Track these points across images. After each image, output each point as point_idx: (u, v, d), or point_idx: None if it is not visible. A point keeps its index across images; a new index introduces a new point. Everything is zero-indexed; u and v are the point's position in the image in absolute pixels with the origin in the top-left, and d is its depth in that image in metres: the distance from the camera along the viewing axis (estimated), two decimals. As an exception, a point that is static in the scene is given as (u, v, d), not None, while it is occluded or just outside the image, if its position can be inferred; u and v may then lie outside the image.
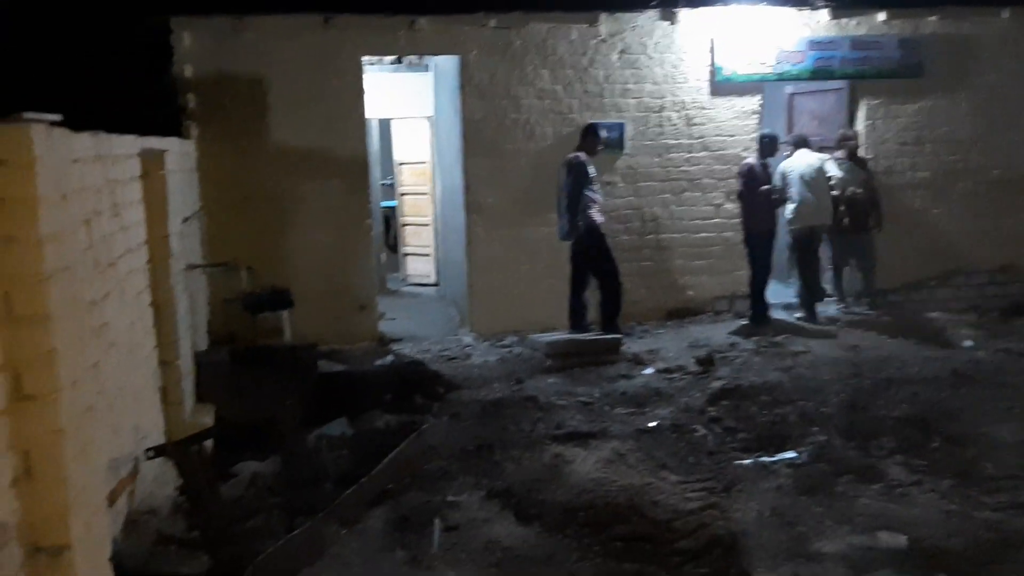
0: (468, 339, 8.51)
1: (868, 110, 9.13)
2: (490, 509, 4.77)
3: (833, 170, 8.60)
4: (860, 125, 9.14)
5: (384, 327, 8.83)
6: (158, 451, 4.29)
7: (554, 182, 8.24)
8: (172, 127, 7.48)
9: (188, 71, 7.99)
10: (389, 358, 7.92)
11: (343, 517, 4.59)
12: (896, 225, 8.95)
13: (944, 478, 5.00)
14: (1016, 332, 8.22)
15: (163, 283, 5.37)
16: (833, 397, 6.37)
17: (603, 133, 8.30)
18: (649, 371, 7.28)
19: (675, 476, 5.17)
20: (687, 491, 4.95)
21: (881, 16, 8.93)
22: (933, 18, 9.02)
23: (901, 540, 4.25)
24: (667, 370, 7.27)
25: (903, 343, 7.94)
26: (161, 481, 4.75)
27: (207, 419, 5.64)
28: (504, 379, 7.23)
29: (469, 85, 8.49)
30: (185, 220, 6.42)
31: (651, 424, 6.05)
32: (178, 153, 6.47)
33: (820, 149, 9.43)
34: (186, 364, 5.76)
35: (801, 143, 8.63)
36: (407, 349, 8.26)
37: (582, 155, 8.01)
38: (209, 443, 4.92)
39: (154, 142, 5.41)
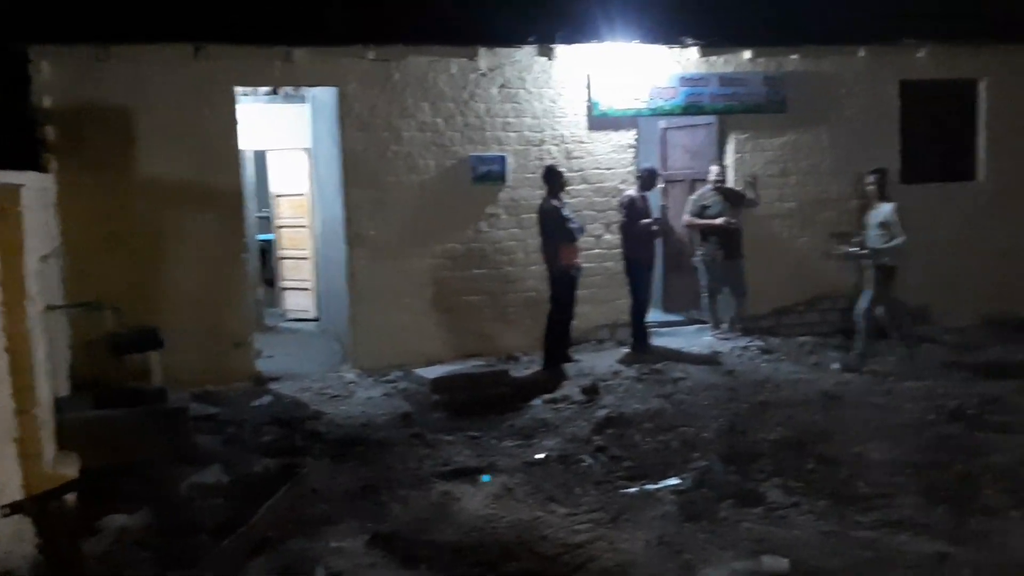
0: (351, 375, 8.31)
1: (737, 144, 9.50)
2: (375, 554, 4.62)
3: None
4: (730, 158, 9.49)
5: (262, 365, 8.54)
6: (15, 507, 3.97)
7: (437, 213, 8.30)
8: (30, 160, 7.05)
9: (47, 102, 7.57)
10: (267, 398, 7.65)
11: (220, 569, 4.36)
12: (766, 253, 9.31)
13: (820, 499, 5.17)
14: (880, 354, 8.63)
15: (19, 326, 4.99)
16: (713, 422, 6.53)
17: (563, 170, 8.41)
18: (536, 402, 7.27)
19: (563, 508, 5.18)
20: (575, 523, 4.97)
21: (747, 54, 9.33)
22: (795, 56, 9.49)
23: (783, 563, 4.34)
24: (553, 400, 7.29)
25: (776, 367, 8.22)
26: (19, 538, 4.39)
27: (69, 470, 5.25)
28: (389, 416, 7.10)
29: (349, 117, 8.38)
30: (43, 258, 6.03)
31: (539, 456, 6.06)
32: (36, 188, 6.08)
33: (693, 181, 9.81)
34: (45, 411, 5.36)
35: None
36: (286, 388, 8.00)
37: (549, 201, 8.12)
38: (72, 496, 4.59)
39: (9, 176, 5.07)
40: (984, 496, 5.08)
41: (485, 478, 5.69)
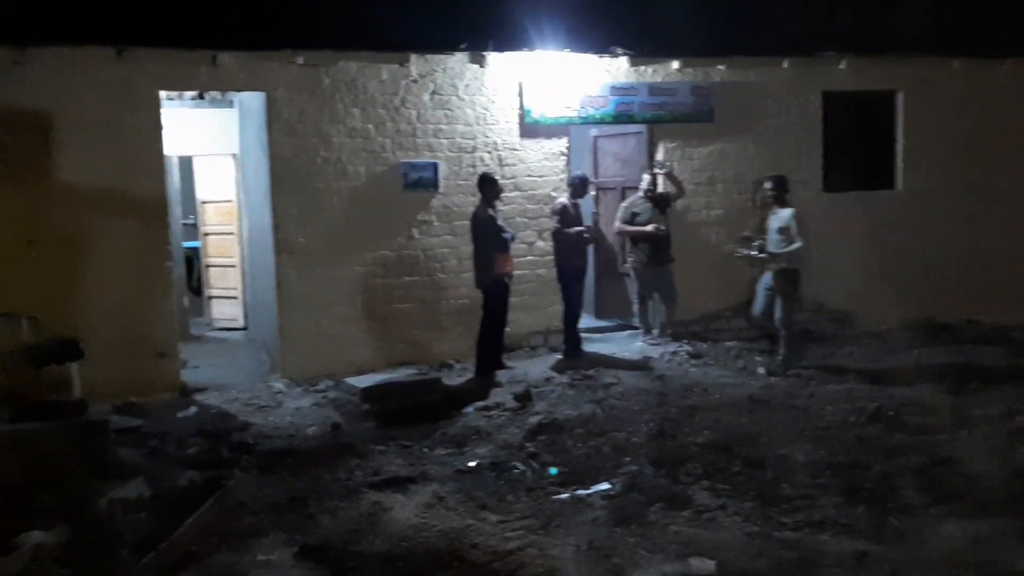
0: (280, 385, 8.18)
1: (666, 152, 9.64)
2: (304, 566, 4.55)
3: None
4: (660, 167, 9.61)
5: (187, 376, 8.36)
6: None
7: (368, 220, 8.28)
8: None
9: (-42, 106, 7.31)
10: (192, 409, 7.48)
11: (142, 586, 4.24)
12: (695, 260, 9.47)
13: (746, 500, 5.26)
14: (804, 358, 8.85)
15: (-74, 338, 4.81)
16: (643, 426, 6.60)
17: (498, 179, 8.42)
18: (469, 410, 7.26)
19: (495, 516, 5.17)
20: (507, 530, 4.96)
21: (675, 64, 9.49)
22: (722, 67, 9.68)
23: (710, 565, 4.41)
24: (486, 408, 7.28)
25: (705, 371, 8.36)
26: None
27: (-18, 487, 5.08)
28: (319, 426, 7.01)
29: (277, 122, 8.27)
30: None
31: (471, 464, 6.05)
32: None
33: (624, 189, 9.92)
34: (-45, 427, 5.17)
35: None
36: (213, 399, 7.84)
37: (481, 209, 8.13)
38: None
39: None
40: (902, 495, 5.24)
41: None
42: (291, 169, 8.32)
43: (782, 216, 8.28)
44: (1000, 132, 10.60)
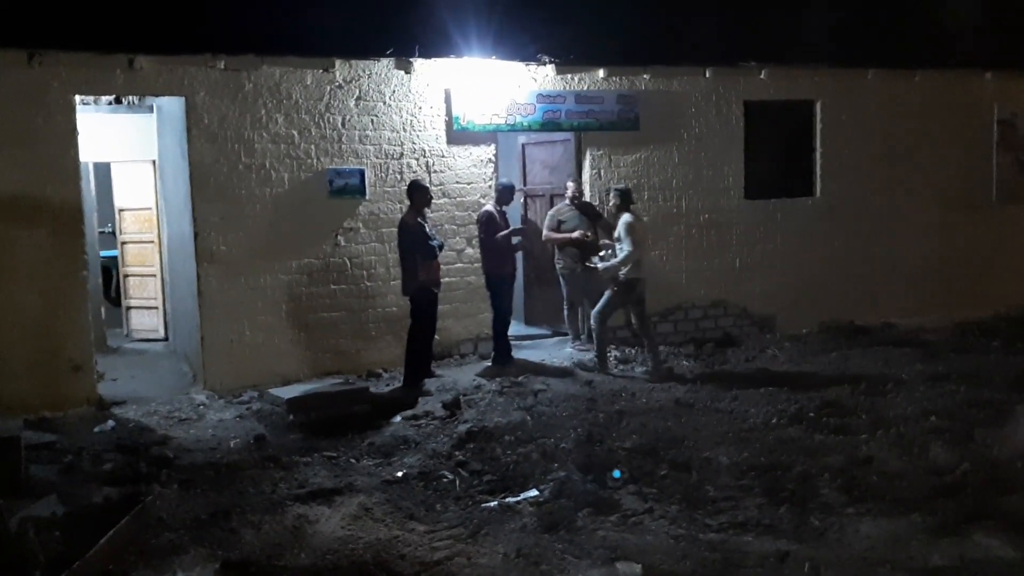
0: (201, 397, 7.98)
1: (592, 160, 9.73)
2: (225, 582, 4.43)
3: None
4: (587, 174, 9.70)
5: (104, 389, 8.09)
6: None
7: (292, 227, 8.21)
8: None
9: None
10: (110, 423, 7.23)
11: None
12: (622, 266, 9.55)
13: (672, 504, 5.31)
14: (728, 362, 9.02)
15: None
16: (572, 432, 6.61)
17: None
18: (397, 419, 7.19)
19: (423, 526, 5.13)
20: (435, 540, 4.93)
21: (601, 73, 9.58)
22: (647, 76, 9.81)
23: (636, 569, 4.43)
24: (415, 417, 7.22)
25: (632, 376, 8.44)
26: None
27: None
28: (242, 438, 6.84)
29: (197, 128, 8.07)
30: None
31: (399, 474, 5.99)
32: None
33: (552, 196, 9.98)
34: None
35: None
36: (131, 412, 7.60)
37: (410, 217, 8.06)
38: None
39: None
40: (822, 495, 5.35)
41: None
42: (212, 176, 8.13)
43: (619, 225, 8.45)
44: (913, 141, 10.99)
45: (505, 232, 8.61)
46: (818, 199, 10.77)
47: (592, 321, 8.65)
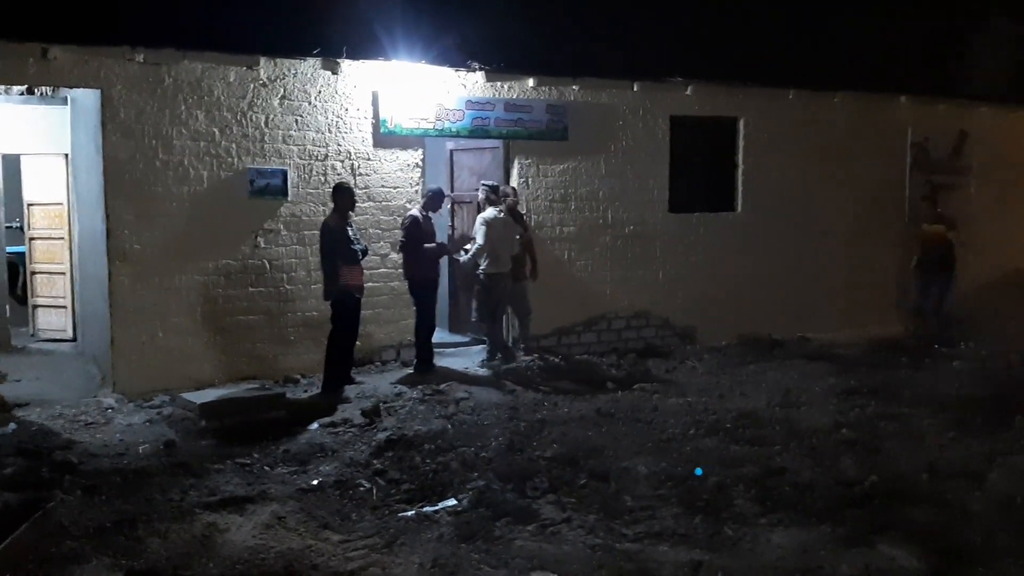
0: (110, 400, 7.70)
1: (521, 168, 9.74)
2: (127, 593, 4.26)
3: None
4: (515, 182, 9.69)
5: (6, 390, 7.78)
6: None
7: (210, 227, 8.01)
8: None
9: None
10: (11, 426, 6.92)
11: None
12: (548, 275, 9.58)
13: (590, 513, 5.33)
14: (649, 372, 9.10)
15: None
16: (493, 441, 6.59)
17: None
18: (314, 426, 7.04)
19: (337, 535, 5.05)
20: (349, 550, 4.85)
21: (531, 82, 9.61)
22: (576, 87, 9.87)
23: (552, 579, 4.42)
24: (332, 424, 7.09)
25: (555, 385, 8.45)
26: None
27: None
28: (152, 444, 6.63)
29: (113, 122, 7.80)
30: None
31: (314, 482, 5.87)
32: None
33: (479, 204, 9.93)
34: None
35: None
36: (34, 415, 7.29)
37: (332, 219, 7.93)
38: None
39: None
40: (736, 505, 5.43)
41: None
42: (127, 172, 7.87)
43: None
44: (831, 160, 11.32)
45: (432, 247, 8.57)
46: (739, 214, 10.99)
47: (482, 323, 8.96)
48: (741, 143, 10.95)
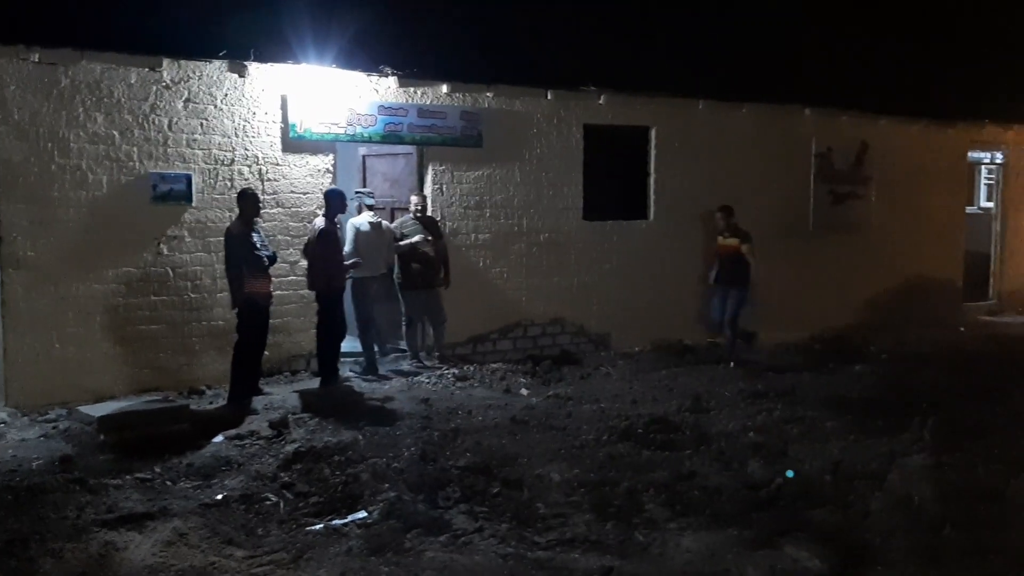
0: (2, 415, 7.34)
1: (435, 175, 9.67)
2: (13, 620, 4.04)
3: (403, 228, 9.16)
4: (428, 189, 9.63)
5: None
6: None
7: (110, 234, 7.77)
8: None
9: None
10: None
11: None
12: (463, 283, 9.54)
13: (503, 522, 5.29)
14: (564, 379, 9.14)
15: None
16: (405, 451, 6.50)
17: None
18: (219, 439, 6.83)
19: (242, 551, 4.91)
20: (254, 566, 4.73)
21: (444, 88, 9.56)
22: (490, 94, 9.87)
23: (463, 590, 4.37)
24: (239, 436, 6.89)
25: (470, 394, 8.40)
26: None
27: None
28: (46, 460, 6.33)
29: (6, 124, 7.46)
30: None
31: (218, 497, 5.70)
32: None
33: (393, 210, 9.85)
34: None
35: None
36: (-81, 432, 6.88)
37: (236, 226, 7.72)
38: None
39: None
40: (647, 510, 5.47)
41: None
42: (21, 175, 7.53)
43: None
44: (739, 170, 11.58)
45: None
46: (651, 222, 11.15)
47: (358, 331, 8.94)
48: (653, 152, 11.11)
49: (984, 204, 15.52)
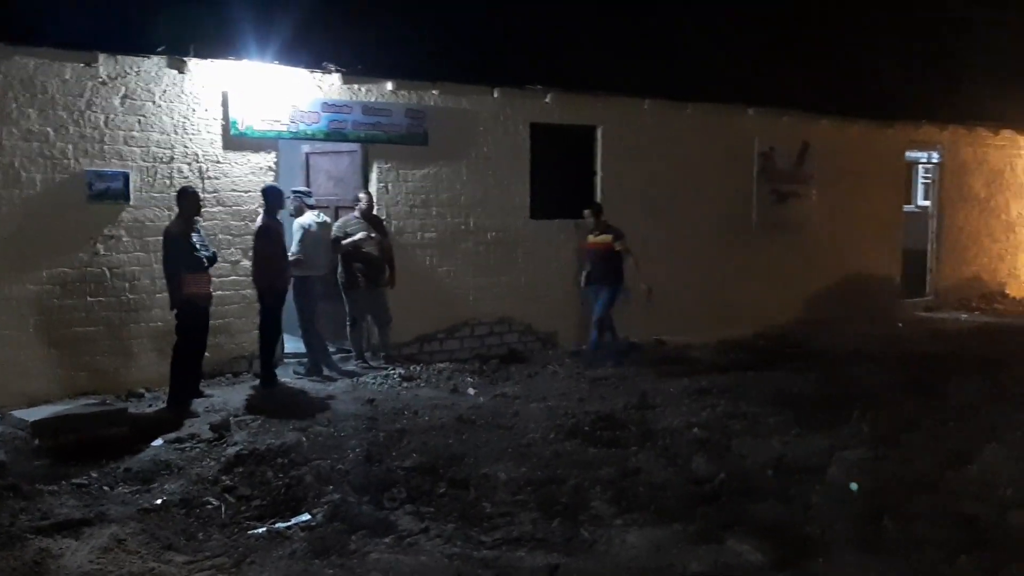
0: (-71, 421, 7.07)
1: (380, 173, 9.59)
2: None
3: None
4: (373, 187, 9.54)
5: None
6: None
7: (44, 233, 7.57)
8: None
9: None
10: None
11: None
12: (409, 282, 9.47)
13: (449, 522, 5.27)
14: (511, 378, 9.13)
15: None
16: (350, 452, 6.43)
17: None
18: (158, 442, 6.68)
19: (182, 557, 4.83)
20: (194, 571, 4.67)
21: (389, 85, 9.48)
22: (435, 92, 9.81)
23: (407, 591, 4.33)
24: (179, 439, 6.75)
25: (416, 394, 8.35)
26: None
27: None
28: (-25, 466, 6.11)
29: (-67, 120, 7.21)
30: None
31: (157, 501, 5.59)
32: None
33: (337, 208, 9.73)
34: None
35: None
36: None
37: (175, 225, 7.57)
38: None
39: None
40: (593, 507, 5.49)
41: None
42: (-51, 173, 7.28)
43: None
44: (684, 169, 11.70)
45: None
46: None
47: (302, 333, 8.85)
48: (599, 151, 11.16)
49: (921, 202, 15.94)
